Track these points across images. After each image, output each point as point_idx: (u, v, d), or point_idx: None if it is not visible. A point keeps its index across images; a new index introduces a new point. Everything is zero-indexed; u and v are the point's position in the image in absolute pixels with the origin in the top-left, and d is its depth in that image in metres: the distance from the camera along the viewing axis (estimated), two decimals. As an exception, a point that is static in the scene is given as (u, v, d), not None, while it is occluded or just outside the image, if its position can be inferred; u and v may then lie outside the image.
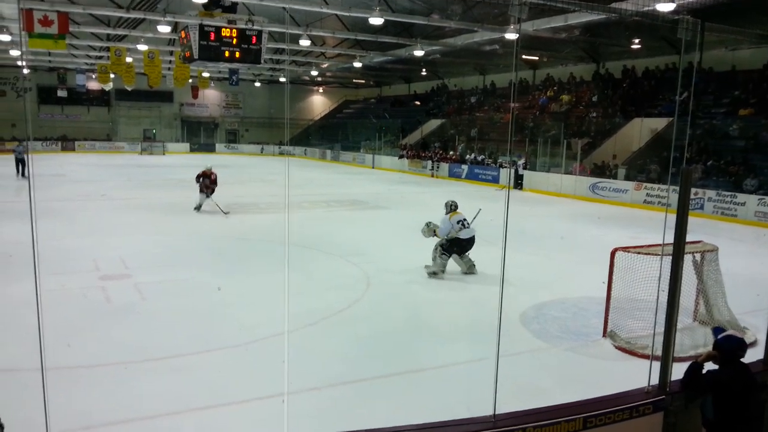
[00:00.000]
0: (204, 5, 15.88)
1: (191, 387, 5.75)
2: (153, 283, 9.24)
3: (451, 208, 10.19)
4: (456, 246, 9.84)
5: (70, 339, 6.70)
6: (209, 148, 48.98)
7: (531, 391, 5.71)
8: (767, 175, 18.03)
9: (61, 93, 41.96)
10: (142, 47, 26.46)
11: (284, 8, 21.09)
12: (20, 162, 24.54)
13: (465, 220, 9.48)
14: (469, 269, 10.06)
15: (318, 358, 6.51)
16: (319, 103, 55.96)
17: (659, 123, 23.21)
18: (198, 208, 16.30)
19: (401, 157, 34.98)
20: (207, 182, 16.32)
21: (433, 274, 9.84)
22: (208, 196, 16.28)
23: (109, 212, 16.33)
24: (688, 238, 6.99)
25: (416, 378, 6.17)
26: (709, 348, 4.32)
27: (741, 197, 17.47)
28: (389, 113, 44.65)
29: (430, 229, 10.14)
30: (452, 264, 10.18)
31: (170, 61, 32.28)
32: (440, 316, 8.18)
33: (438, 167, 31.17)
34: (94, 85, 40.67)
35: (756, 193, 17.49)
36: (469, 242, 9.92)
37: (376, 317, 8.02)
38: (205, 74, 38.03)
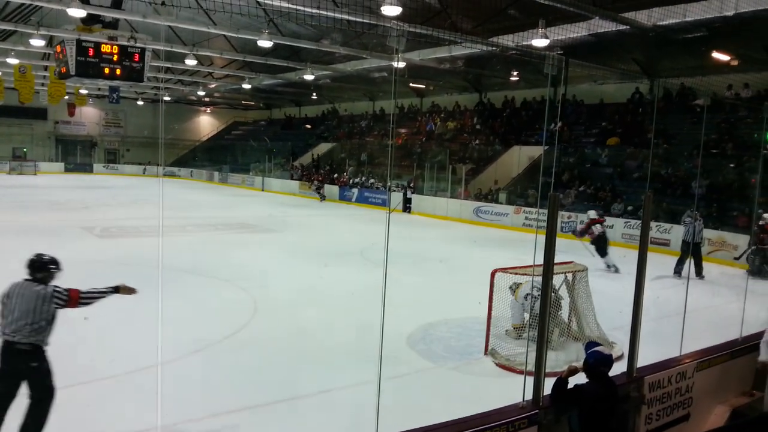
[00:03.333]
0: (82, 20, 15.17)
1: (57, 425, 5.33)
2: (18, 314, 8.53)
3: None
4: None
5: None
6: (86, 169, 46.21)
7: (416, 411, 5.80)
8: (632, 200, 19.57)
9: None
10: (13, 61, 24.69)
11: (168, 26, 20.49)
12: None
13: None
14: None
15: (201, 387, 6.28)
16: (206, 124, 54.55)
17: (536, 151, 24.63)
18: None
19: (292, 177, 34.80)
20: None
21: None
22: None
23: (-31, 237, 14.97)
24: (562, 258, 7.40)
25: (301, 404, 6.10)
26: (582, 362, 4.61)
27: (610, 220, 18.81)
28: (278, 136, 44.30)
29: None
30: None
31: (44, 77, 30.30)
32: (328, 340, 8.15)
33: (322, 190, 30.96)
34: (-45, 98, 37.33)
35: (622, 216, 18.93)
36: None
37: (262, 343, 7.86)
38: (83, 91, 36.08)
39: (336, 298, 10.17)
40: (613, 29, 16.17)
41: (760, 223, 13.85)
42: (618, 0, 15.22)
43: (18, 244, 14.23)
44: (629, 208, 19.23)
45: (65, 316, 8.41)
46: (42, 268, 4.91)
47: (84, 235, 16.01)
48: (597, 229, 13.95)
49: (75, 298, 4.95)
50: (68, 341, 7.51)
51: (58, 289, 4.86)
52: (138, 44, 14.87)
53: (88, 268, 11.76)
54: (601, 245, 13.91)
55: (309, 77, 28.03)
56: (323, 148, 38.60)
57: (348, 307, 9.68)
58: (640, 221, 17.58)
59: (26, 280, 4.85)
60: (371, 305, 9.59)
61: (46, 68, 28.80)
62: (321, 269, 12.61)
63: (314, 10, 14.22)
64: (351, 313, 9.33)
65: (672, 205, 18.38)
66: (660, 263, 13.08)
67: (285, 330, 8.49)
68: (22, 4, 17.47)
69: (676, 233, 16.89)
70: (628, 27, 15.68)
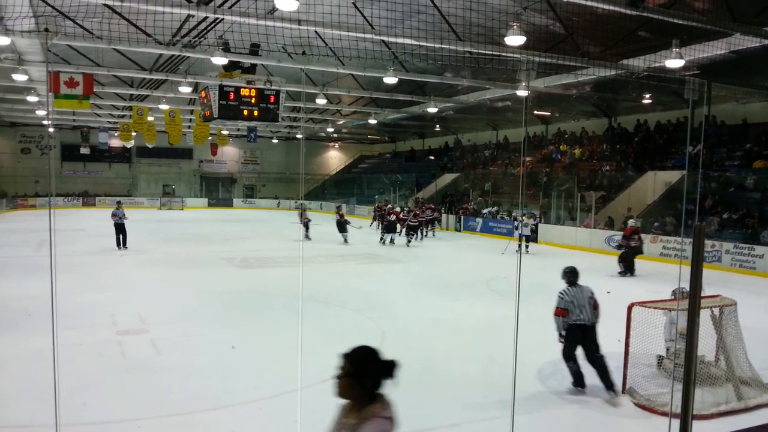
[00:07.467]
0: (224, 67, 16.45)
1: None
2: (169, 338, 9.28)
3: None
4: None
5: (85, 394, 6.72)
6: (227, 203, 49.75)
7: (549, 449, 5.60)
8: (785, 227, 17.87)
9: (84, 150, 43.09)
10: (164, 107, 27.21)
11: (302, 69, 21.68)
12: (121, 230, 19.80)
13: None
14: None
15: (331, 416, 6.44)
16: (335, 158, 56.85)
17: (673, 176, 23.22)
18: None
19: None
20: None
21: None
22: None
23: (128, 267, 16.50)
24: (707, 291, 6.92)
25: (431, 436, 6.08)
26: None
27: (759, 249, 17.28)
28: (403, 168, 45.19)
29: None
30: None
31: (190, 120, 33.07)
32: (455, 371, 8.09)
33: (441, 222, 30.74)
34: (116, 142, 41.64)
35: (774, 245, 17.32)
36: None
37: (391, 373, 7.93)
38: (225, 132, 38.82)
39: (462, 330, 10.10)
40: (757, 44, 15.04)
41: None
42: (761, 14, 14.14)
43: (169, 274, 15.52)
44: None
45: (215, 340, 9.09)
46: (575, 275, 7.60)
47: (225, 266, 17.13)
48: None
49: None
50: (217, 365, 8.07)
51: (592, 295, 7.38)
52: (273, 87, 15.85)
53: (229, 297, 12.57)
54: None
55: (432, 110, 28.44)
56: (447, 178, 38.79)
57: (475, 339, 9.56)
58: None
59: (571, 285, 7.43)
60: (498, 337, 9.51)
61: (191, 112, 31.50)
62: (448, 300, 12.60)
63: (438, 45, 14.46)
64: (478, 345, 9.21)
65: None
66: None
67: (412, 361, 8.51)
68: (173, 55, 19.23)
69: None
70: (774, 41, 14.54)
